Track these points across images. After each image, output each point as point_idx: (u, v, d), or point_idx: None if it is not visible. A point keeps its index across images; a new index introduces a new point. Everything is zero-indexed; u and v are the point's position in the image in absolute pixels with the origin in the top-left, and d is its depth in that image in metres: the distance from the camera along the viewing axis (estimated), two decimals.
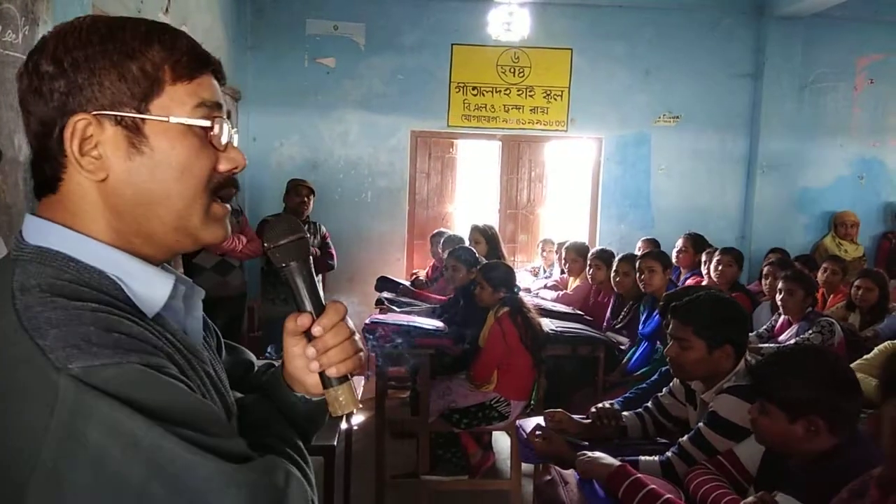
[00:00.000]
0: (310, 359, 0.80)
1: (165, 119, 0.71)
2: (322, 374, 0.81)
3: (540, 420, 2.35)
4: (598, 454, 1.89)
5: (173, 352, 0.70)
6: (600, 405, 2.38)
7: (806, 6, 5.20)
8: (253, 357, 1.01)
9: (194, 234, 0.75)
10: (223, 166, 0.76)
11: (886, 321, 3.62)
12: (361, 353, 0.83)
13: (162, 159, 0.71)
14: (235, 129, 0.78)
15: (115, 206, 0.72)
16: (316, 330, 0.79)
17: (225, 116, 0.76)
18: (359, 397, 0.83)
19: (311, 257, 0.83)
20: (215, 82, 0.77)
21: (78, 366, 0.59)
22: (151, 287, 0.73)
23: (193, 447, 0.61)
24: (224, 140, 0.76)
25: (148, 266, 0.74)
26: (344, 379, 0.81)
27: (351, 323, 0.82)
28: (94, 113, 0.69)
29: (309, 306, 0.80)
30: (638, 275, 3.73)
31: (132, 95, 0.70)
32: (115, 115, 0.70)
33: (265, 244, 0.81)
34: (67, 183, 0.72)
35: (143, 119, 0.71)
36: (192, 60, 0.74)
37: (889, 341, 3.06)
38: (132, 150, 0.71)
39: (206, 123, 0.73)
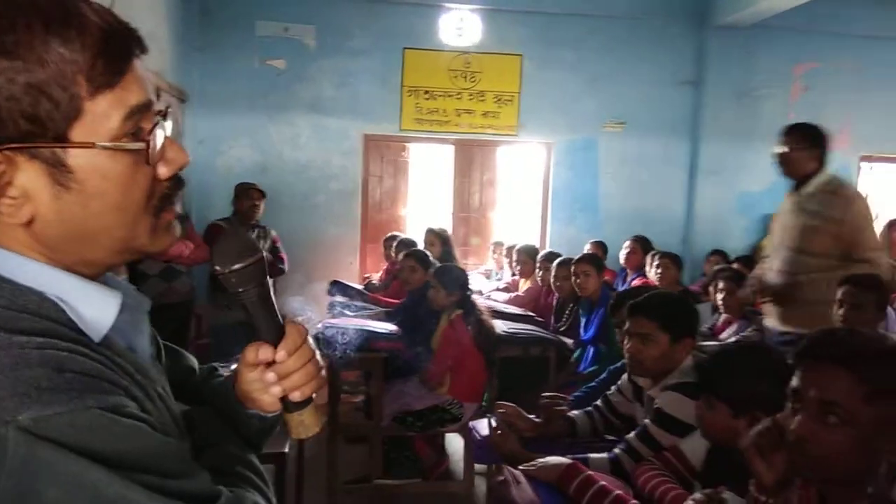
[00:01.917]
0: (270, 383, 0.75)
1: (91, 145, 0.60)
2: (283, 399, 0.76)
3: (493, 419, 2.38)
4: (547, 458, 1.92)
5: (130, 383, 0.63)
6: (548, 395, 2.43)
7: (745, 16, 5.41)
8: (194, 361, 0.96)
9: (141, 250, 0.68)
10: (164, 172, 0.66)
11: None
12: (323, 372, 0.79)
13: (95, 192, 0.61)
14: (164, 117, 0.67)
15: (47, 243, 0.62)
16: (278, 356, 0.73)
17: (156, 110, 0.65)
18: (323, 416, 0.79)
19: (267, 275, 0.74)
20: (139, 70, 0.64)
21: (29, 416, 0.53)
22: (97, 308, 0.64)
23: (159, 495, 0.57)
24: (160, 143, 0.65)
25: (91, 284, 0.65)
26: (307, 402, 0.76)
27: (312, 342, 0.78)
28: (1, 149, 0.57)
29: (267, 332, 0.73)
30: (573, 279, 3.82)
31: (44, 122, 0.57)
32: (28, 148, 0.58)
33: (216, 268, 0.70)
34: None
35: (63, 148, 0.59)
36: (111, 61, 0.60)
37: None
38: (58, 188, 0.59)
39: (141, 146, 0.62)
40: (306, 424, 0.77)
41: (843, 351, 1.12)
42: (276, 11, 5.41)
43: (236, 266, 0.69)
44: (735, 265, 4.59)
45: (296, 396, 0.75)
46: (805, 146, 2.95)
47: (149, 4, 4.33)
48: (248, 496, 0.69)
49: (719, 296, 3.70)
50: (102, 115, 0.60)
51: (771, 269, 3.04)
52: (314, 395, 0.78)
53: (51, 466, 0.53)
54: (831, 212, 2.82)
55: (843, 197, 2.84)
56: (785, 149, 2.98)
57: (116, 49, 0.61)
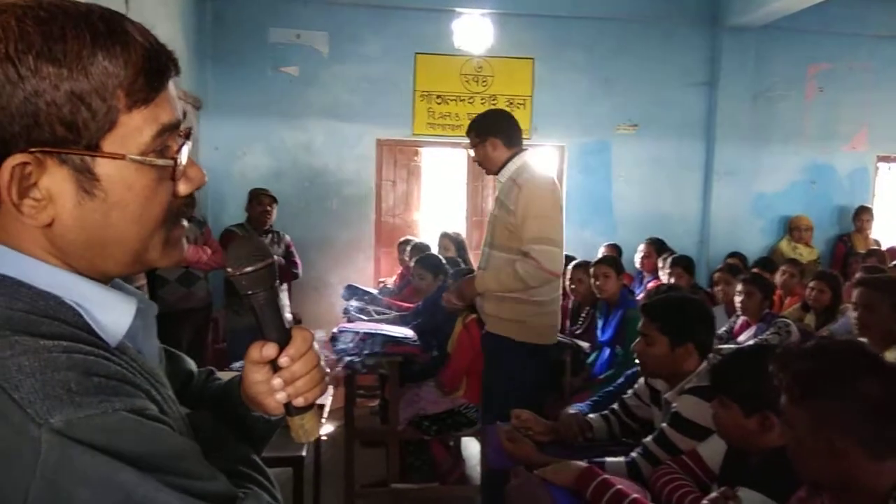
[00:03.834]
0: (276, 390, 0.76)
1: (122, 156, 0.62)
2: (287, 403, 0.78)
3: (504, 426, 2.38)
4: (564, 461, 1.92)
5: (150, 387, 0.65)
6: (570, 412, 2.41)
7: (758, 17, 5.37)
8: (193, 365, 0.97)
9: (151, 264, 0.70)
10: (183, 189, 0.69)
11: (840, 321, 3.74)
12: (327, 378, 0.81)
13: (117, 202, 0.63)
14: (188, 137, 0.69)
15: (62, 248, 0.64)
16: (283, 361, 0.75)
17: (181, 130, 0.68)
18: (322, 420, 0.82)
19: (277, 280, 0.78)
20: (173, 89, 0.67)
21: (60, 419, 0.54)
22: (113, 313, 0.65)
23: (187, 496, 0.58)
24: (184, 161, 0.68)
25: (107, 290, 0.67)
26: (310, 407, 0.79)
27: (317, 348, 0.80)
28: (33, 151, 0.58)
29: (274, 334, 0.76)
30: (593, 280, 3.82)
31: (80, 129, 0.59)
32: (60, 154, 0.60)
33: (228, 269, 0.74)
34: (4, 218, 0.62)
35: (93, 157, 0.61)
36: (150, 79, 0.63)
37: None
38: (82, 194, 0.61)
39: (169, 163, 0.65)
40: (306, 429, 0.79)
41: (785, 361, 1.28)
42: (288, 18, 5.45)
43: (247, 269, 0.73)
44: (755, 269, 4.56)
45: (299, 402, 0.77)
46: (477, 141, 2.87)
47: (164, 13, 4.38)
48: (262, 496, 0.71)
49: (737, 298, 3.69)
50: (136, 129, 0.62)
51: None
52: (316, 402, 0.80)
53: (82, 468, 0.54)
54: (508, 202, 2.71)
55: (518, 186, 2.70)
56: (470, 151, 2.93)
57: (156, 68, 0.63)
